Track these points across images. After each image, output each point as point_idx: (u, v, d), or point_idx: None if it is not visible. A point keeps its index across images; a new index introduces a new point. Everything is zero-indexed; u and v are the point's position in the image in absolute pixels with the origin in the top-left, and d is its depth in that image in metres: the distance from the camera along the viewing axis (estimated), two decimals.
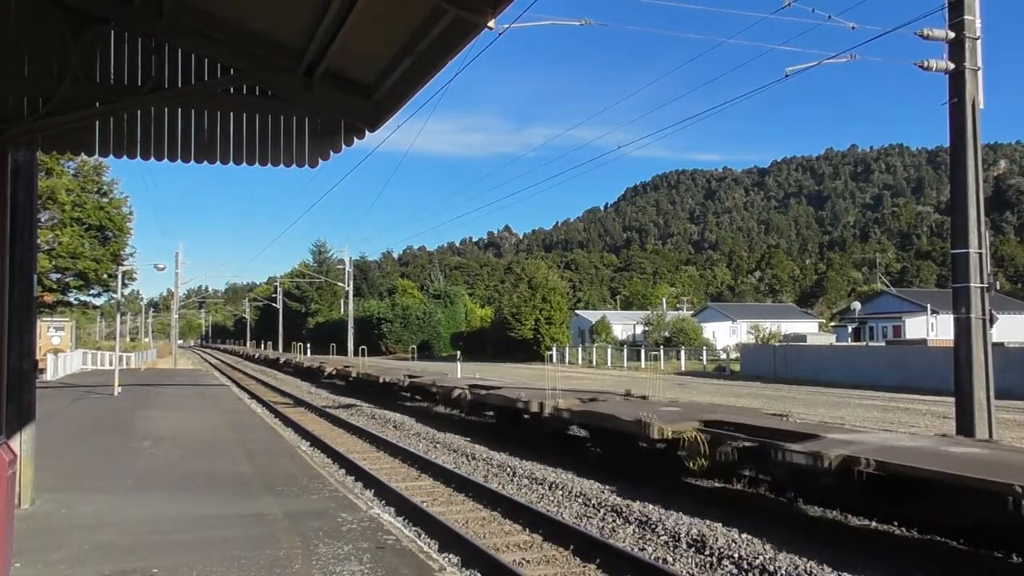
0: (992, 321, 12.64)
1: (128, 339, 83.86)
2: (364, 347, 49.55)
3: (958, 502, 7.35)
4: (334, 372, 34.95)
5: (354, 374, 30.29)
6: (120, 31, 7.26)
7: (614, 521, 9.37)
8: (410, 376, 24.65)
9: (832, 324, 77.76)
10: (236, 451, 13.00)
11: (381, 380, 25.86)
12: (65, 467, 10.89)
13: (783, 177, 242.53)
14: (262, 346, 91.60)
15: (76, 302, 44.89)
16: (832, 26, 14.36)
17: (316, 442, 16.59)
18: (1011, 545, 7.56)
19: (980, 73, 12.61)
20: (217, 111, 7.54)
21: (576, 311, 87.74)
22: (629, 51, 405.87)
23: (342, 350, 59.34)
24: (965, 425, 12.39)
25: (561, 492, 10.95)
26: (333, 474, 11.71)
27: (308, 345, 59.12)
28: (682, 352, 57.15)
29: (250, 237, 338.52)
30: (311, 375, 40.10)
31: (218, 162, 7.58)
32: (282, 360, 55.04)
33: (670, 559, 7.91)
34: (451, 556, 7.90)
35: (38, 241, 9.17)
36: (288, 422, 20.43)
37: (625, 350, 61.93)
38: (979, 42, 12.64)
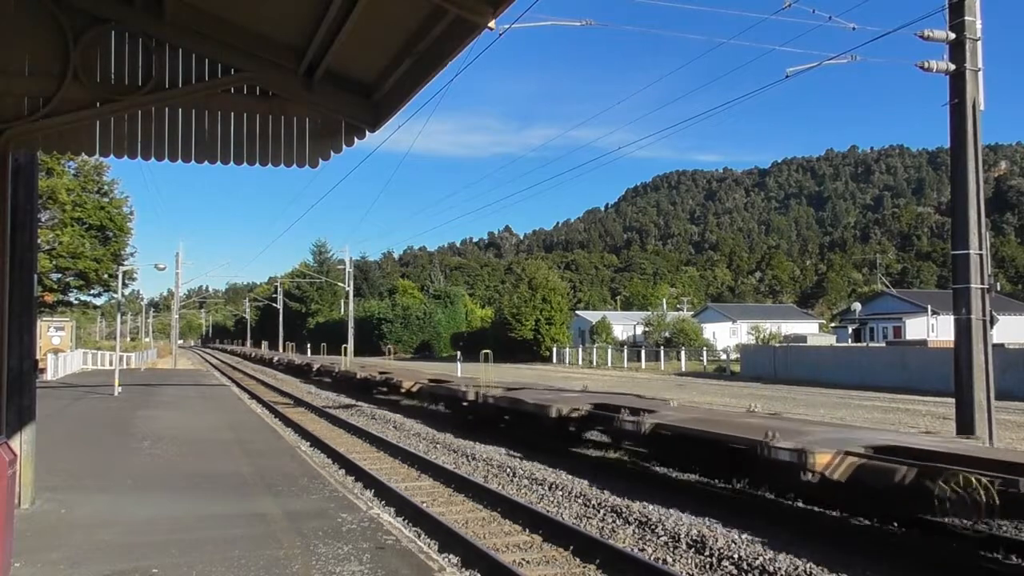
0: (992, 322, 12.62)
1: (128, 339, 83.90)
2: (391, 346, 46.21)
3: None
4: (417, 388, 22.65)
5: (471, 395, 17.65)
6: (120, 31, 7.27)
7: (614, 521, 9.37)
8: (646, 415, 11.93)
9: (832, 325, 77.78)
10: (236, 451, 13.00)
11: (556, 413, 13.79)
12: (65, 467, 10.88)
13: (783, 178, 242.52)
14: (266, 346, 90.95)
15: (76, 302, 44.93)
16: (833, 27, 14.36)
17: (316, 442, 16.59)
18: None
19: (980, 74, 12.60)
20: (217, 111, 7.55)
21: (576, 311, 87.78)
22: (629, 51, 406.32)
23: (337, 350, 59.18)
24: (965, 426, 12.37)
25: (561, 492, 10.94)
26: (333, 474, 11.71)
27: (350, 346, 44.21)
28: (682, 353, 57.16)
29: (250, 237, 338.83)
30: (363, 389, 28.62)
31: (218, 162, 7.58)
32: (315, 367, 39.08)
33: (670, 559, 7.91)
34: (451, 556, 7.90)
35: (38, 241, 9.17)
36: (288, 422, 20.43)
37: (625, 351, 61.96)
38: (979, 43, 12.64)
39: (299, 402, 27.18)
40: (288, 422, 20.49)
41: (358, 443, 16.92)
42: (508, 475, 12.43)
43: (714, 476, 11.49)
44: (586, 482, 11.40)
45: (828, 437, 9.46)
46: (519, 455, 14.18)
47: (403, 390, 23.50)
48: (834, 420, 18.66)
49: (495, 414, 17.07)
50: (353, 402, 25.97)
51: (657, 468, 12.81)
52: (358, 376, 29.43)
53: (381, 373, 27.69)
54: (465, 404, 18.21)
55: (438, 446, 15.99)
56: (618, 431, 12.43)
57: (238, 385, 35.45)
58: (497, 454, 12.63)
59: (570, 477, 11.85)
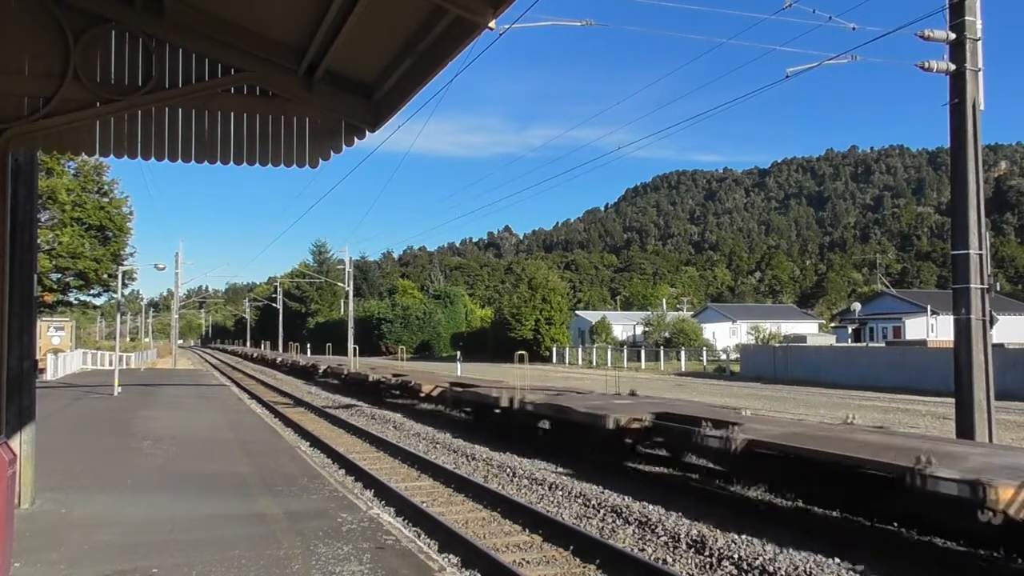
0: (992, 322, 12.62)
1: (128, 339, 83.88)
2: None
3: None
4: (438, 392, 20.37)
5: (505, 401, 15.61)
6: (120, 31, 7.27)
7: (614, 521, 9.37)
8: None
9: (832, 325, 77.81)
10: (236, 451, 13.00)
11: (614, 424, 11.79)
12: (65, 467, 10.88)
13: (783, 178, 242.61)
14: (265, 345, 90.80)
15: (76, 302, 44.95)
16: (833, 27, 14.35)
17: (316, 442, 16.59)
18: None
19: (981, 74, 12.60)
20: (217, 111, 7.55)
21: (576, 311, 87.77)
22: (629, 51, 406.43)
23: (340, 350, 59.02)
24: (965, 426, 12.37)
25: (561, 493, 10.94)
26: (333, 474, 11.71)
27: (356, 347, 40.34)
28: (682, 353, 57.16)
29: (250, 237, 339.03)
30: (375, 393, 26.23)
31: (218, 162, 7.58)
32: (321, 369, 36.57)
33: (670, 559, 7.91)
34: (451, 556, 7.90)
35: (38, 241, 9.16)
36: (288, 422, 20.43)
37: (625, 351, 61.95)
38: (980, 43, 12.63)
39: (302, 404, 27.16)
40: (288, 422, 20.48)
41: (358, 443, 16.92)
42: (508, 475, 12.43)
43: (833, 507, 9.34)
44: (586, 482, 11.39)
45: (991, 463, 7.52)
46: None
47: (422, 394, 21.40)
48: (835, 421, 18.62)
49: (533, 423, 15.30)
50: (353, 402, 25.93)
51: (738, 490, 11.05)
52: (370, 379, 27.10)
53: (395, 375, 25.32)
54: (497, 411, 15.93)
55: (438, 446, 15.99)
56: (696, 447, 10.57)
57: (238, 385, 35.43)
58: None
59: (570, 477, 11.84)
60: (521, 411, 15.09)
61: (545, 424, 15.17)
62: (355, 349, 39.25)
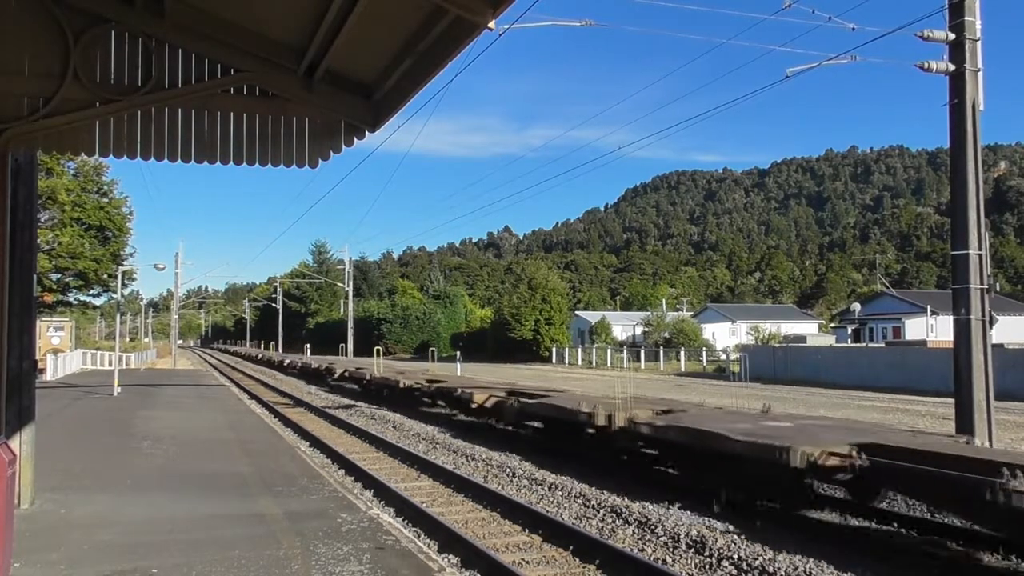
0: (992, 322, 12.63)
1: (128, 339, 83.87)
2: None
3: None
4: (493, 404, 16.43)
5: (601, 419, 11.86)
6: (120, 31, 7.27)
7: (614, 522, 9.36)
8: None
9: (832, 325, 77.79)
10: (236, 451, 12.99)
11: (802, 460, 8.26)
12: (65, 467, 10.88)
13: (783, 178, 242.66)
14: (271, 346, 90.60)
15: (76, 302, 44.93)
16: (832, 27, 14.37)
17: (316, 442, 16.59)
18: None
19: (980, 74, 12.61)
20: (217, 111, 7.55)
21: (576, 312, 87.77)
22: (629, 51, 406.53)
23: (336, 350, 58.98)
24: (964, 426, 12.38)
25: (560, 493, 10.94)
26: (333, 474, 11.71)
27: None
28: (682, 353, 57.16)
29: (250, 237, 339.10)
30: (407, 401, 22.50)
31: (218, 162, 7.58)
32: (337, 372, 32.52)
33: (669, 560, 7.90)
34: (451, 556, 7.89)
35: (38, 241, 9.16)
36: (288, 422, 20.42)
37: (625, 351, 61.94)
38: (979, 43, 12.65)
39: (298, 402, 27.13)
40: (287, 422, 20.48)
41: (357, 443, 16.91)
42: (508, 475, 12.43)
43: None
44: (586, 484, 11.38)
45: None
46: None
47: (475, 405, 17.14)
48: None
49: (636, 449, 12.11)
50: (352, 402, 25.88)
51: None
52: (401, 385, 22.85)
53: (429, 381, 21.81)
54: (591, 432, 12.27)
55: (437, 446, 15.99)
56: (993, 509, 6.58)
57: (238, 386, 35.36)
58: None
59: (569, 477, 11.81)
60: (629, 433, 11.35)
61: (640, 445, 11.96)
62: (378, 350, 34.42)
